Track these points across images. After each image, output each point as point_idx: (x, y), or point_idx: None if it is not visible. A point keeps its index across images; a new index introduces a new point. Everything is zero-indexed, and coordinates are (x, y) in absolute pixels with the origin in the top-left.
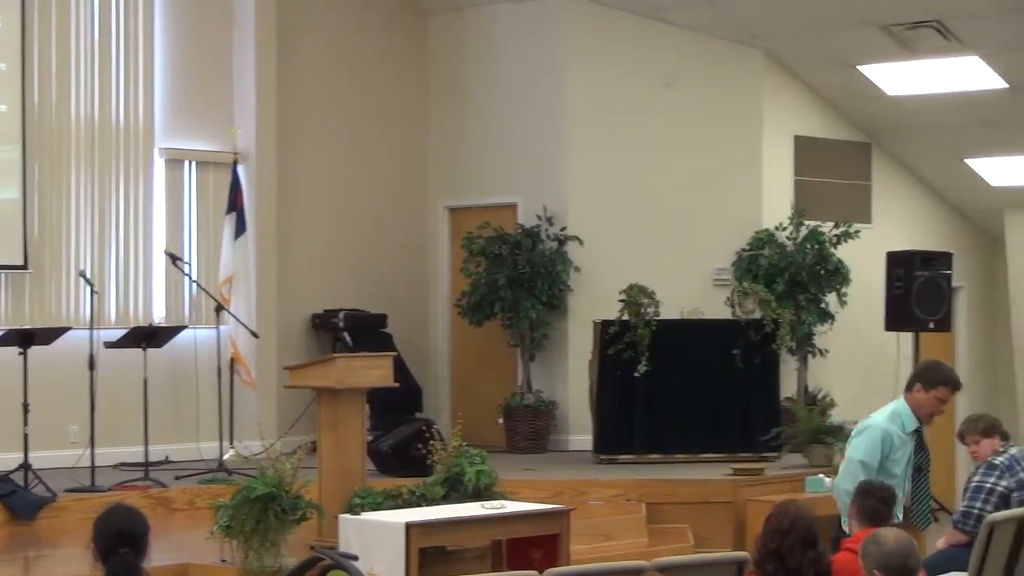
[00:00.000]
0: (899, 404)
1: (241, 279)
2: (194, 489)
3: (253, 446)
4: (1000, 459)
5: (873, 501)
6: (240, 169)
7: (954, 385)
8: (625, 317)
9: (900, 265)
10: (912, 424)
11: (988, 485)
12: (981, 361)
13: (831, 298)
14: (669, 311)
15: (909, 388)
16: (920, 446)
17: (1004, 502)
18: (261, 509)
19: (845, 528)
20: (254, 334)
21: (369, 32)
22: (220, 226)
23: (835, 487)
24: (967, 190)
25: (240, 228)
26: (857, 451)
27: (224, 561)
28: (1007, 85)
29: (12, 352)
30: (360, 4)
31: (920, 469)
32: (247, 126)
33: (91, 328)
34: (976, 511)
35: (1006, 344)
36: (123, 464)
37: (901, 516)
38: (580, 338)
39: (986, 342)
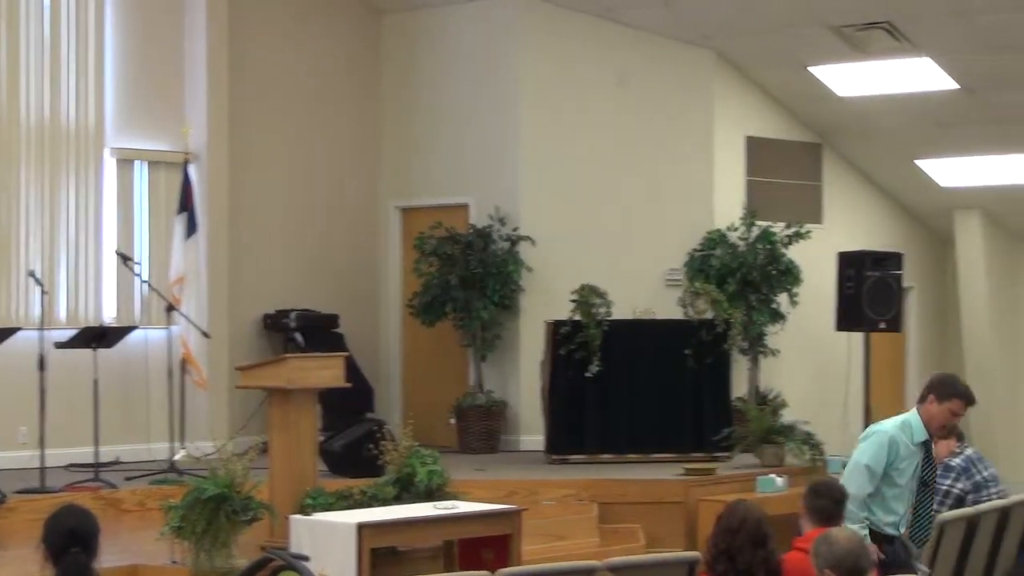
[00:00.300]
0: (911, 415)
1: (192, 279)
2: (145, 490)
3: (204, 447)
4: (956, 461)
5: (824, 501)
6: (191, 169)
7: (968, 399)
8: (577, 317)
9: (851, 265)
10: (921, 435)
11: (944, 487)
12: (931, 361)
13: (782, 298)
14: (621, 311)
15: (922, 400)
16: (928, 459)
17: (959, 504)
18: (212, 510)
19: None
20: (205, 334)
21: (322, 32)
22: (171, 226)
23: None
24: (917, 191)
25: (191, 228)
26: (863, 455)
27: (175, 562)
28: (958, 86)
29: None
30: (312, 4)
31: (926, 483)
32: (198, 126)
33: (41, 328)
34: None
35: (956, 344)
36: (73, 465)
37: (903, 529)
38: (532, 338)
39: (936, 342)
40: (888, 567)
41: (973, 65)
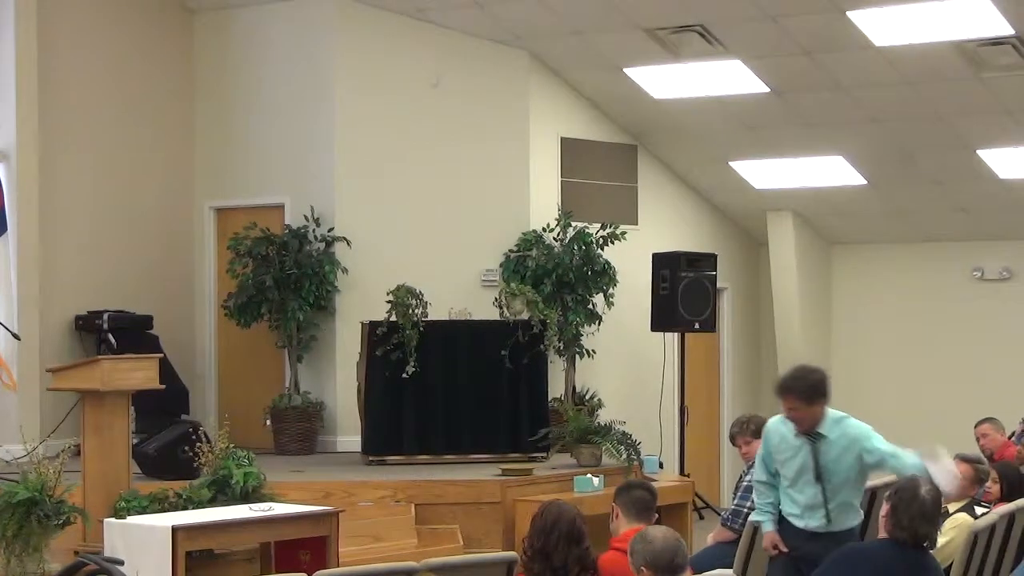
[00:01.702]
0: None
1: (1, 280)
2: None
3: (15, 450)
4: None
5: (639, 491)
6: (0, 168)
7: (777, 390)
8: (393, 318)
9: (665, 266)
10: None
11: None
12: (745, 361)
13: (598, 299)
14: (437, 312)
15: None
16: (816, 453)
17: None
18: (23, 514)
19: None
20: (15, 336)
21: (133, 29)
22: None
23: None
24: (732, 192)
25: (0, 228)
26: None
27: None
28: (768, 89)
29: None
30: (124, 2)
31: (819, 477)
32: (7, 124)
33: None
34: (746, 510)
35: (769, 344)
36: None
37: (813, 523)
38: (348, 339)
39: (749, 342)
40: (800, 561)
41: (782, 68)
